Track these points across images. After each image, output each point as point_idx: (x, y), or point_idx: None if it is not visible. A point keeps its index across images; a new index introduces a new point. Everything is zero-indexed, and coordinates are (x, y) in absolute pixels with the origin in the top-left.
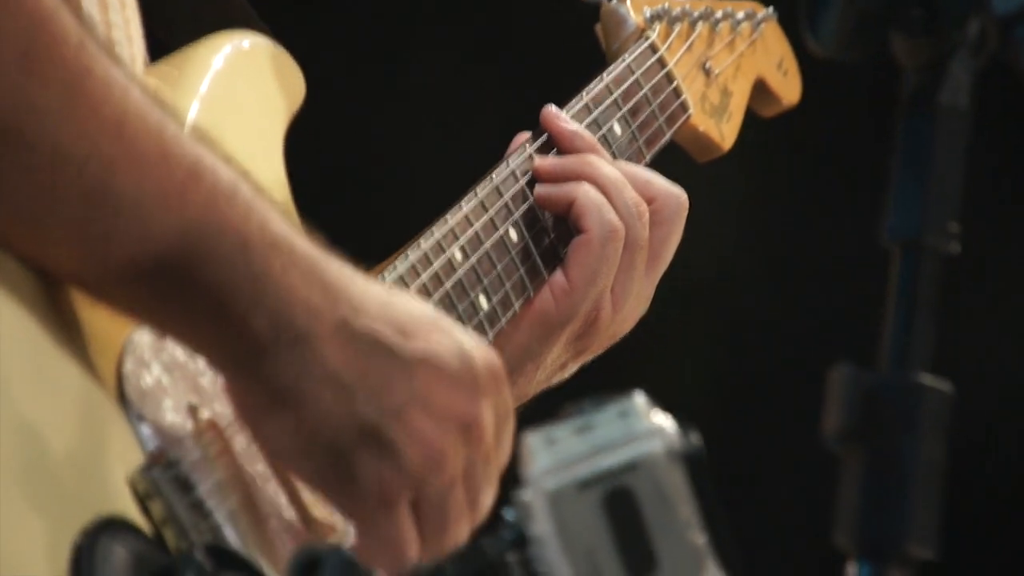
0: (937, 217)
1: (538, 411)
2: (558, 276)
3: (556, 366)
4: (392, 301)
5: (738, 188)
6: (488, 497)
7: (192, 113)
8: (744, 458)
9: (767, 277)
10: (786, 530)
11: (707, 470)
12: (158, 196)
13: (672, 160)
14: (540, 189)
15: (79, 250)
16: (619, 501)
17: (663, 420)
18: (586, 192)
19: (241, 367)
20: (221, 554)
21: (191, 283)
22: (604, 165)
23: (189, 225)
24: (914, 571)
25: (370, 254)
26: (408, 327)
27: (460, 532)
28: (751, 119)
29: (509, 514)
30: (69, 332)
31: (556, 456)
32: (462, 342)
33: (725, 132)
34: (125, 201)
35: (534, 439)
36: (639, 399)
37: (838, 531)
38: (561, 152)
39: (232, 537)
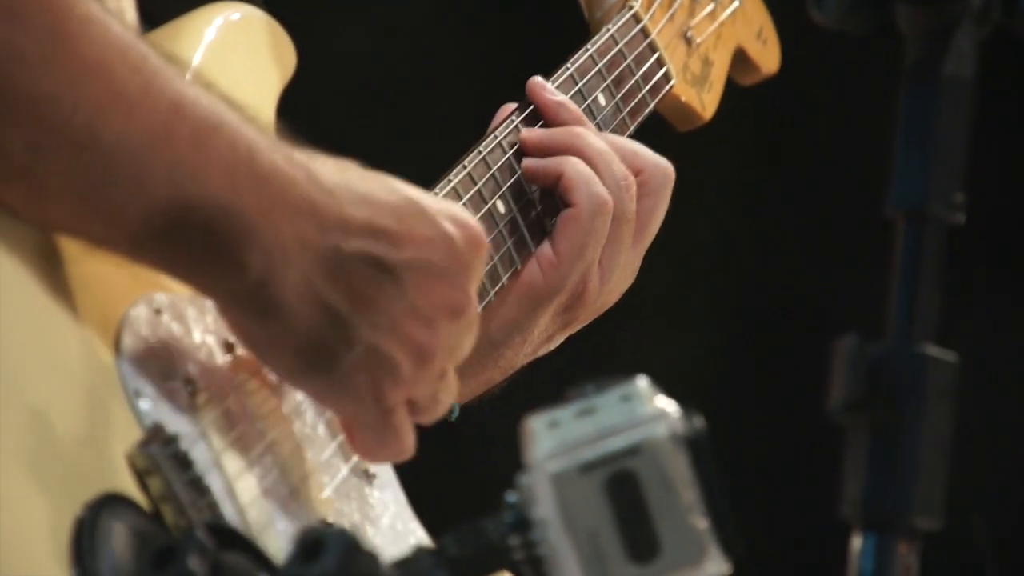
0: (941, 187)
1: (542, 395)
2: (546, 249)
3: (543, 338)
4: (377, 201)
5: (739, 158)
6: (469, 344)
7: None
8: (745, 430)
9: (768, 248)
10: (790, 507)
11: (710, 454)
12: (145, 137)
13: (666, 130)
14: (528, 162)
15: (76, 201)
16: (622, 485)
17: (666, 404)
18: (574, 165)
19: (242, 302)
20: (222, 532)
21: (185, 222)
22: (591, 137)
23: (176, 164)
24: (920, 543)
25: None
26: (395, 232)
27: (450, 398)
28: (757, 88)
29: (511, 497)
30: (68, 306)
31: (559, 439)
32: (444, 227)
33: (706, 101)
34: (115, 146)
35: (537, 423)
36: (642, 383)
37: (843, 504)
38: (547, 123)
39: (230, 513)
